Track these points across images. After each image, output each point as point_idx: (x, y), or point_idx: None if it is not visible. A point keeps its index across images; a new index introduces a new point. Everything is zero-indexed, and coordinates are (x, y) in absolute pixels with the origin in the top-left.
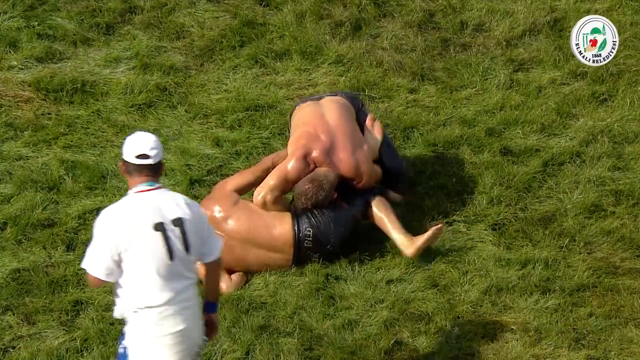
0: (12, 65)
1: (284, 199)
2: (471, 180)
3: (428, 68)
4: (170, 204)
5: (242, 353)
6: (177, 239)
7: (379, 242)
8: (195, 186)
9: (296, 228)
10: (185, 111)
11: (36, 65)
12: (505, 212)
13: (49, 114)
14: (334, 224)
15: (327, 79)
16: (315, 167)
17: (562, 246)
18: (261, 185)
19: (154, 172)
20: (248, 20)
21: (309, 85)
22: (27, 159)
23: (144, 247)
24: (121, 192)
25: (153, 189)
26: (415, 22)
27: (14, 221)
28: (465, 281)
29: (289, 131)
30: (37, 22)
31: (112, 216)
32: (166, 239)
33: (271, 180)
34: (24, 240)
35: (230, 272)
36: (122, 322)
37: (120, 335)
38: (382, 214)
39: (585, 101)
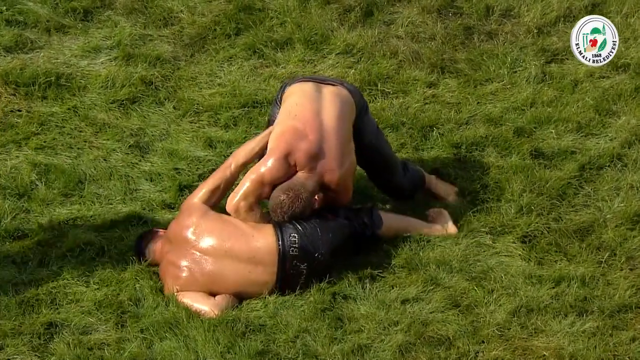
0: None
1: (260, 206)
2: (497, 186)
3: (449, 59)
4: None
5: None
6: None
7: (393, 257)
8: (185, 192)
9: (279, 235)
10: (174, 108)
11: (4, 56)
12: (537, 223)
13: (18, 110)
14: (321, 230)
15: (334, 71)
16: (296, 170)
17: (601, 261)
18: (234, 190)
19: None
20: (245, 5)
21: None
22: None
23: None
24: (100, 199)
25: None
26: (435, 6)
27: None
28: (491, 301)
29: (270, 115)
30: (5, 7)
31: None
32: None
33: (245, 184)
34: None
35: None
36: (101, 347)
37: None
38: (403, 223)
39: (627, 97)
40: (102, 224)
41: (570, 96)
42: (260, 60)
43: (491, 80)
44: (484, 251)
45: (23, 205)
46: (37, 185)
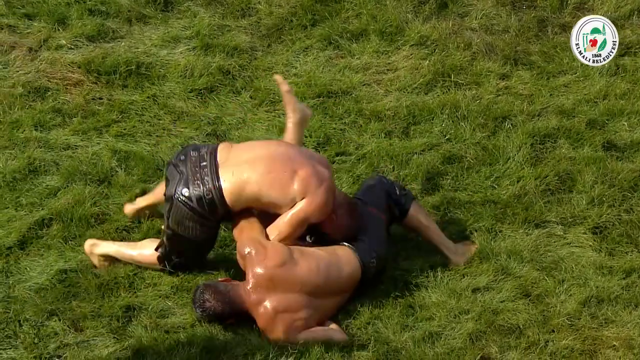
0: (60, 44)
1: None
2: (569, 177)
3: (522, 51)
4: None
5: None
6: None
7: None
8: None
9: (358, 256)
10: (250, 97)
11: (87, 45)
12: (608, 214)
13: (100, 98)
14: (371, 232)
15: (408, 62)
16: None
17: None
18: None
19: None
20: None
21: (387, 70)
22: (76, 148)
23: None
24: None
25: None
26: None
27: (61, 217)
28: (562, 291)
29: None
30: None
31: None
32: None
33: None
34: (71, 238)
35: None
36: (177, 330)
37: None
38: (427, 219)
39: None
40: None
41: None
42: (335, 51)
43: (564, 73)
44: (555, 242)
45: (103, 191)
46: (117, 171)
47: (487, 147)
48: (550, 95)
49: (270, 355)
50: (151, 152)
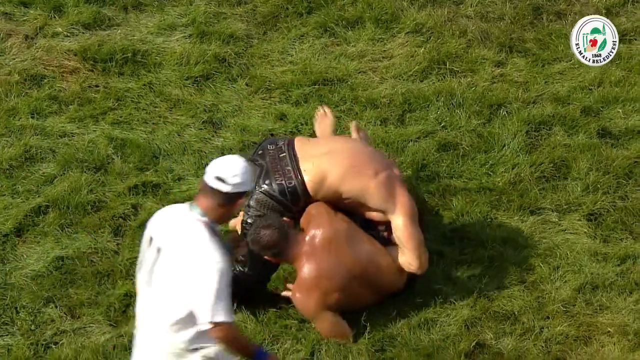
0: (56, 32)
1: None
2: (564, 164)
3: (517, 39)
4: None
5: (306, 353)
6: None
7: (460, 240)
8: None
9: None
10: (246, 85)
11: (83, 32)
12: (603, 201)
13: (96, 86)
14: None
15: (403, 50)
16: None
17: None
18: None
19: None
20: None
21: (383, 57)
22: (72, 135)
23: None
24: (173, 173)
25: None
26: None
27: (57, 204)
28: (556, 277)
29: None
30: None
31: None
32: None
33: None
34: (67, 226)
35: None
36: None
37: None
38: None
39: None
40: (176, 197)
41: (638, 76)
42: (331, 39)
43: (559, 60)
44: (550, 228)
45: (99, 178)
46: (114, 159)
47: (482, 135)
48: (545, 82)
49: (267, 341)
50: (147, 140)
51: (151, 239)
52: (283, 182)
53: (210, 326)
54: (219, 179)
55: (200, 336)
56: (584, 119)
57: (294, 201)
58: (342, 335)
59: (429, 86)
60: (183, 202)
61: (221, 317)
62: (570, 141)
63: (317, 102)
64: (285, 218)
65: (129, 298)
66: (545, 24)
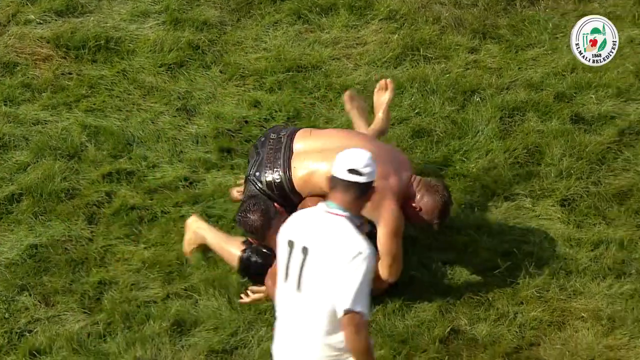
0: (29, 19)
1: None
2: (537, 150)
3: (490, 25)
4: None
5: None
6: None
7: None
8: (227, 155)
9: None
10: (220, 72)
11: (56, 20)
12: (576, 187)
13: (69, 73)
14: None
15: (377, 36)
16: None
17: None
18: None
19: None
20: None
21: (357, 44)
22: (46, 123)
23: None
24: (148, 160)
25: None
26: None
27: (31, 192)
28: (530, 263)
29: None
30: None
31: None
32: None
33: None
34: (41, 214)
35: None
36: (148, 304)
37: None
38: None
39: None
40: (150, 185)
41: (611, 62)
42: (305, 26)
43: (532, 46)
44: (524, 214)
45: (73, 166)
46: (87, 146)
47: (456, 121)
48: (519, 68)
49: (241, 329)
50: (121, 127)
51: (291, 242)
52: (272, 176)
53: (346, 315)
54: (354, 171)
55: None
56: (557, 104)
57: (281, 196)
58: None
59: (403, 73)
60: (156, 189)
61: (359, 308)
62: (544, 127)
63: (292, 89)
64: (275, 204)
65: (103, 286)
66: (519, 10)
